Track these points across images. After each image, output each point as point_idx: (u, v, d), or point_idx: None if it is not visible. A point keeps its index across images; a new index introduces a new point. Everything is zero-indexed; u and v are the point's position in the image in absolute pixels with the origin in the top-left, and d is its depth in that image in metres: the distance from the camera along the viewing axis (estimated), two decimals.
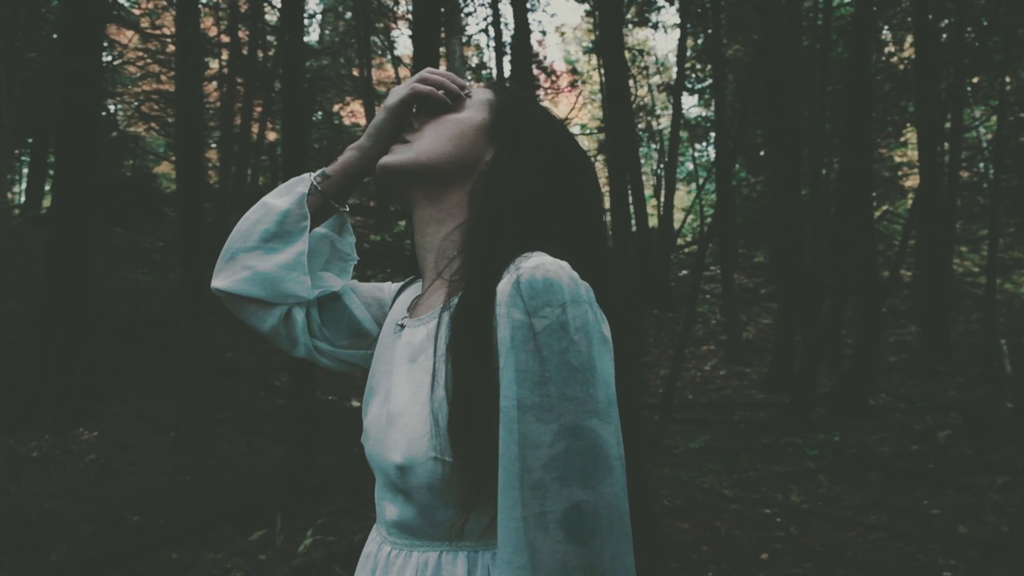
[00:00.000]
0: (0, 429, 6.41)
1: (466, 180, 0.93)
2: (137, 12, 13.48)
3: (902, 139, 18.70)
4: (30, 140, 19.04)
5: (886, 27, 15.89)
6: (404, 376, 0.87)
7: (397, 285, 1.11)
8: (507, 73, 15.10)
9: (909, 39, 15.51)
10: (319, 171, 1.04)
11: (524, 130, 0.94)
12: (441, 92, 0.98)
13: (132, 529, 4.68)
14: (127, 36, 13.38)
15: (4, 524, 4.50)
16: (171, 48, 9.62)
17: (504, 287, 0.75)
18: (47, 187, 17.48)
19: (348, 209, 1.08)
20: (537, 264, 0.75)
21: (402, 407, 0.84)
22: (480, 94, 1.00)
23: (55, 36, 13.88)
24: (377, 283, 1.13)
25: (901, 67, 15.65)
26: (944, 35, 12.90)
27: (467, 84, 1.01)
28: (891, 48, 17.19)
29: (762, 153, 18.07)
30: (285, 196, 1.01)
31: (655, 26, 17.76)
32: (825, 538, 4.28)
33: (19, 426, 6.84)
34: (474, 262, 0.83)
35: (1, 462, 5.51)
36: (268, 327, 1.02)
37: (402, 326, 0.95)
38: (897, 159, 19.36)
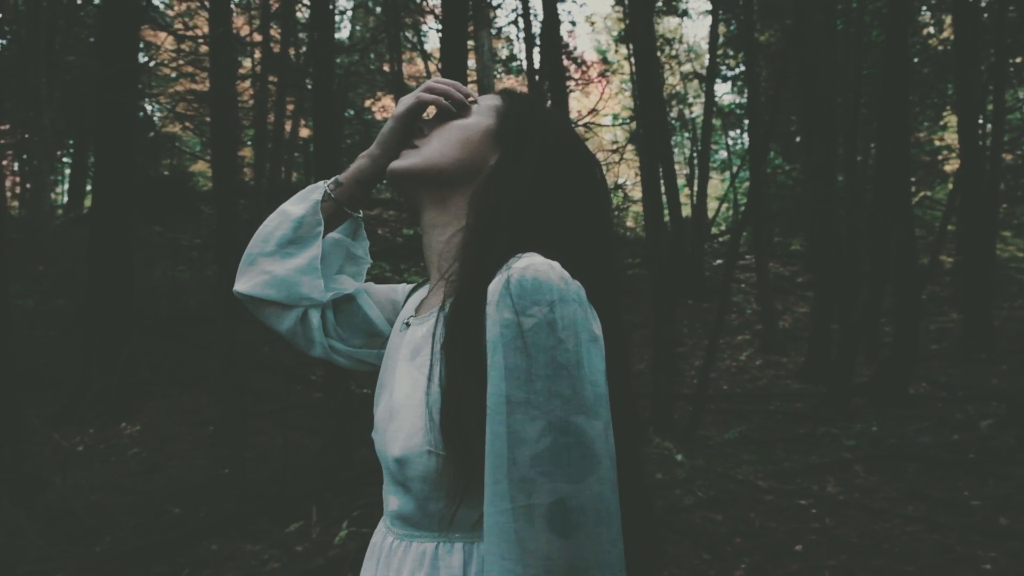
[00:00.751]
0: (46, 424, 6.58)
1: (471, 184, 0.95)
2: (171, 14, 13.70)
3: (942, 122, 18.27)
4: (71, 142, 19.47)
5: (924, 8, 15.54)
6: (404, 373, 0.90)
7: (410, 287, 1.15)
8: (537, 65, 15.05)
9: (948, 19, 15.14)
10: (332, 179, 1.08)
11: (528, 135, 0.95)
12: (446, 101, 1.01)
13: (173, 521, 4.79)
14: (161, 38, 13.60)
15: (50, 516, 4.64)
16: (204, 48, 9.75)
17: (495, 287, 0.77)
18: (88, 187, 17.87)
19: (361, 214, 1.13)
20: (527, 264, 0.77)
21: (401, 402, 0.88)
22: (488, 100, 1.02)
23: (92, 40, 14.15)
24: (392, 285, 1.17)
25: (940, 49, 15.28)
26: (985, 15, 12.57)
27: (472, 93, 1.03)
28: (930, 30, 16.79)
29: (797, 139, 17.81)
30: (300, 203, 1.06)
31: (685, 13, 17.56)
32: (861, 530, 4.23)
33: (64, 421, 7.03)
34: (469, 264, 0.86)
35: (47, 456, 5.67)
36: (286, 328, 1.07)
37: (407, 324, 0.98)
38: (937, 143, 18.94)
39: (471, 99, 1.02)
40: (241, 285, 1.05)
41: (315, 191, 1.07)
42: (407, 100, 1.03)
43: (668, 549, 4.04)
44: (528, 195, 0.89)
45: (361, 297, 1.14)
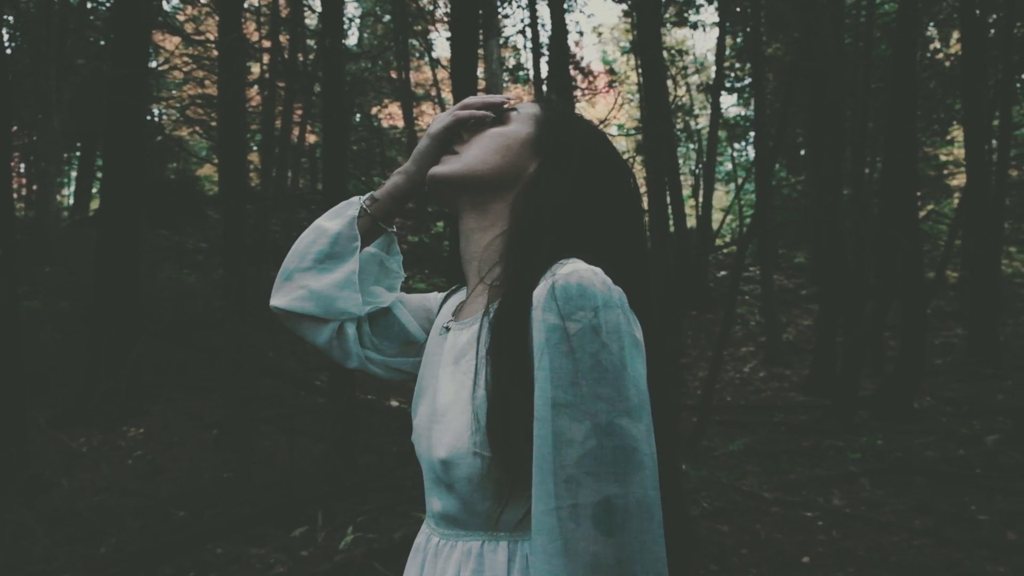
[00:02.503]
0: (52, 426, 6.59)
1: (510, 191, 0.98)
2: (181, 18, 13.77)
3: (948, 137, 18.28)
4: (79, 144, 19.54)
5: (931, 23, 15.57)
6: (448, 376, 0.92)
7: (443, 294, 1.17)
8: (544, 74, 15.10)
9: (955, 35, 15.17)
10: (368, 195, 1.10)
11: (567, 144, 0.98)
12: (482, 112, 1.03)
13: (178, 524, 4.79)
14: (172, 42, 13.67)
15: (56, 517, 4.64)
16: (214, 53, 9.80)
17: (540, 292, 0.80)
18: (95, 190, 17.94)
19: (395, 230, 1.15)
20: (572, 270, 0.79)
21: (446, 406, 0.90)
22: (527, 108, 1.04)
23: (103, 43, 14.23)
24: (423, 294, 1.19)
25: (947, 64, 15.31)
26: (992, 30, 12.59)
27: (510, 99, 1.06)
28: (937, 44, 16.83)
29: (803, 152, 17.83)
30: (336, 219, 1.08)
31: (694, 26, 17.62)
32: (868, 543, 4.21)
33: (70, 423, 7.03)
34: (513, 269, 0.88)
35: (53, 458, 5.68)
36: (322, 341, 1.09)
37: (447, 328, 1.00)
38: (943, 158, 18.94)
39: (509, 105, 1.04)
40: (278, 300, 1.07)
41: (350, 207, 1.09)
42: (443, 119, 1.05)
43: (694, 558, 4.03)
44: (569, 202, 0.92)
45: (396, 307, 1.16)
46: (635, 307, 0.83)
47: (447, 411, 0.89)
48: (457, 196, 1.00)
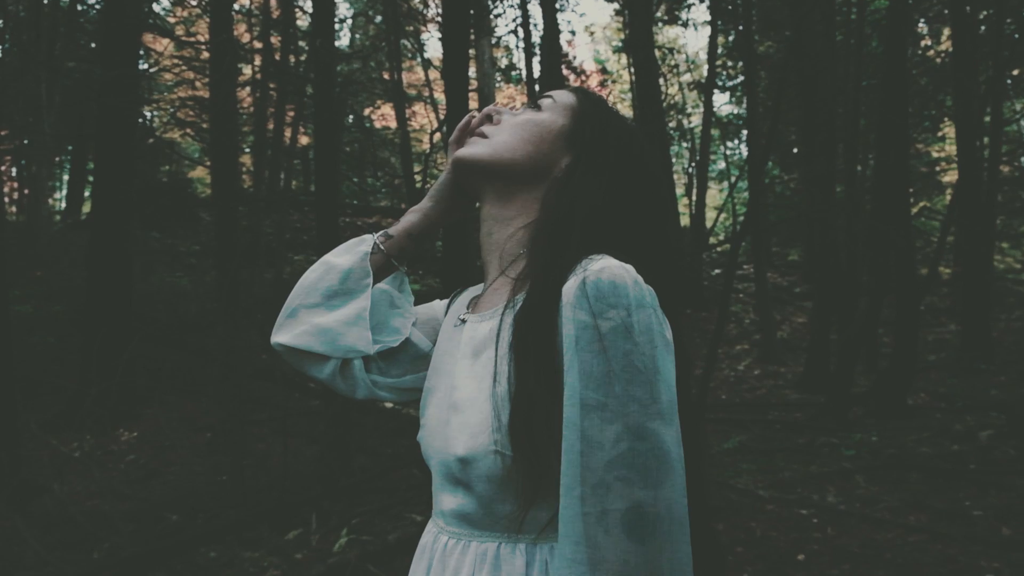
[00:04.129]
0: (43, 430, 6.56)
1: (539, 183, 0.94)
2: (172, 20, 13.72)
3: (940, 134, 18.36)
4: (70, 147, 19.47)
5: (922, 20, 15.62)
6: (467, 370, 0.89)
7: (446, 300, 1.12)
8: (536, 74, 15.10)
9: (946, 32, 15.22)
10: (381, 232, 1.06)
11: (602, 140, 0.95)
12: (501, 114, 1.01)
13: (171, 528, 4.77)
14: (163, 44, 13.62)
15: (48, 522, 4.61)
16: (205, 55, 9.77)
17: (570, 288, 0.77)
18: (87, 193, 17.87)
19: (407, 268, 1.10)
20: (603, 267, 0.77)
21: (465, 400, 0.86)
22: (563, 98, 1.00)
23: (93, 45, 14.18)
24: (428, 304, 1.14)
25: (938, 60, 15.36)
26: (983, 27, 12.63)
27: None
28: (927, 41, 16.88)
29: (795, 150, 17.87)
30: (347, 255, 1.03)
31: (685, 24, 17.65)
32: (863, 539, 4.21)
33: (62, 427, 7.00)
34: (541, 263, 0.85)
35: (45, 462, 5.65)
36: (326, 375, 1.03)
37: (463, 320, 0.96)
38: (935, 154, 19.01)
39: (545, 95, 1.01)
40: (282, 337, 1.02)
41: (362, 243, 1.04)
42: (452, 146, 1.03)
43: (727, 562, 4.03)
44: (603, 200, 0.89)
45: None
46: (664, 307, 0.80)
47: (466, 406, 0.86)
48: (482, 182, 0.97)
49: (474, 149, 0.96)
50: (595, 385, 0.73)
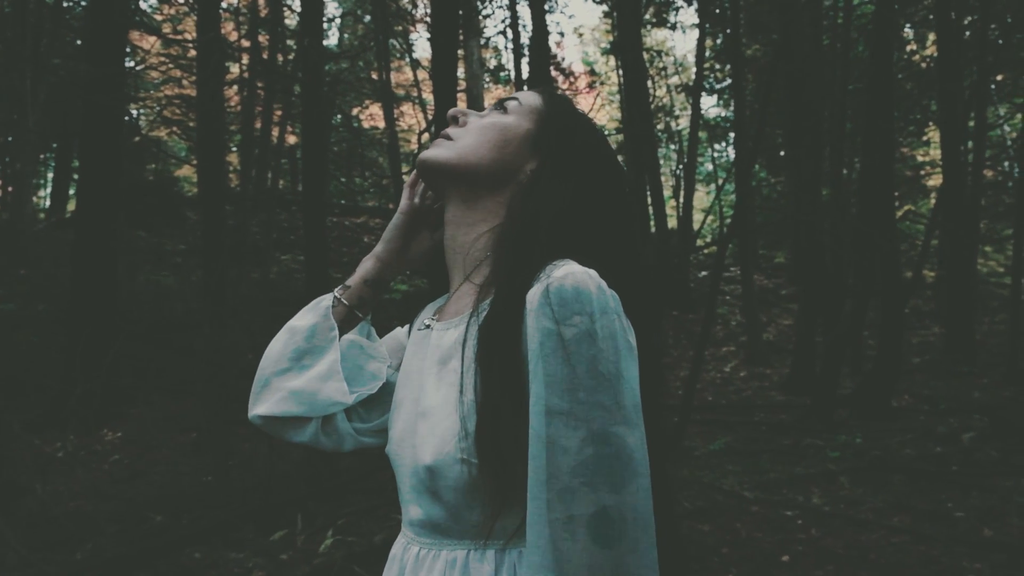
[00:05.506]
0: (26, 429, 6.49)
1: (503, 187, 0.94)
2: (159, 18, 13.64)
3: (924, 138, 18.51)
4: (55, 145, 19.32)
5: (908, 25, 15.74)
6: (434, 379, 0.88)
7: (407, 327, 1.11)
8: (525, 75, 15.12)
9: (932, 37, 15.35)
10: (340, 285, 1.05)
11: (568, 144, 0.94)
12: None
13: (156, 529, 4.74)
14: (149, 41, 13.54)
15: (31, 523, 4.57)
16: (192, 53, 9.72)
17: (534, 295, 0.77)
18: (72, 191, 17.74)
19: (370, 317, 1.08)
20: (566, 273, 0.76)
21: (432, 409, 0.86)
22: (529, 100, 0.99)
23: (79, 42, 14.08)
24: (391, 334, 1.12)
25: (923, 65, 15.48)
26: (967, 32, 12.75)
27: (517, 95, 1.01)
28: (913, 46, 17.02)
29: (782, 153, 17.97)
30: (309, 314, 1.02)
31: (673, 27, 17.72)
32: (847, 540, 4.24)
33: (45, 426, 6.94)
34: (505, 269, 0.84)
35: (28, 462, 5.60)
36: (308, 437, 1.02)
37: (429, 327, 0.96)
38: (920, 158, 19.17)
39: (511, 97, 1.00)
40: (260, 408, 1.00)
41: (323, 300, 1.04)
42: (406, 189, 1.05)
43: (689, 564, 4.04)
44: (568, 206, 0.89)
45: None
46: (629, 311, 0.80)
47: (433, 415, 0.85)
48: (446, 185, 0.96)
49: (438, 152, 0.95)
50: (560, 392, 0.73)
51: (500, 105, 0.99)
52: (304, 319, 1.02)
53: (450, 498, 0.83)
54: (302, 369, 0.99)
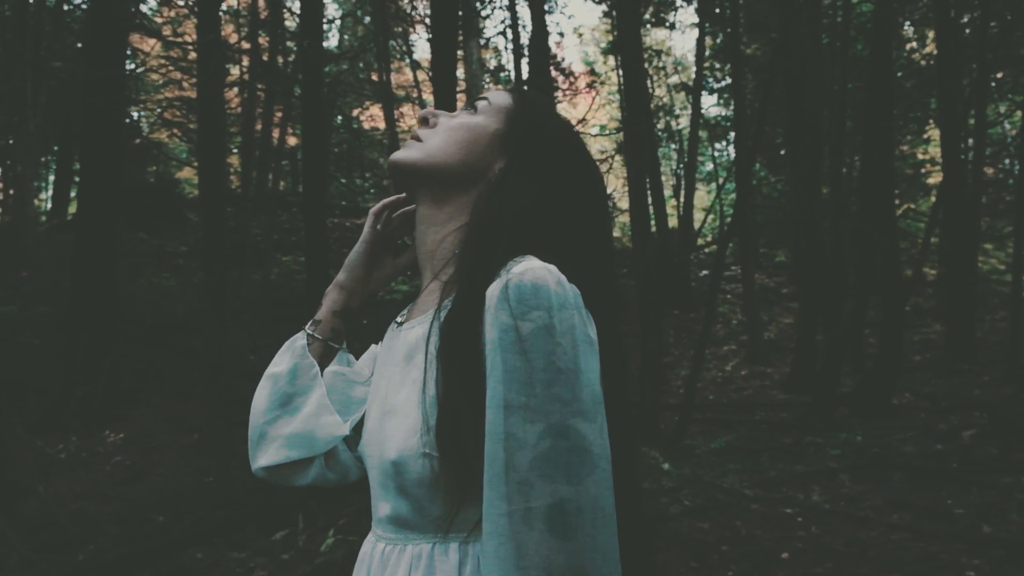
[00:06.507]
0: (29, 431, 6.51)
1: (473, 186, 0.95)
2: (159, 20, 13.66)
3: (925, 136, 18.50)
4: (56, 148, 19.34)
5: (907, 23, 15.74)
6: (399, 375, 0.90)
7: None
8: (525, 75, 15.13)
9: (931, 35, 15.34)
10: (310, 322, 1.06)
11: (536, 142, 0.95)
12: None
13: (157, 529, 4.75)
14: (149, 44, 13.56)
15: (33, 524, 4.59)
16: (193, 55, 9.74)
17: (493, 291, 0.77)
18: (73, 193, 17.76)
19: (345, 345, 1.09)
20: (525, 269, 0.77)
21: (397, 405, 0.87)
22: (498, 99, 1.00)
23: (80, 45, 14.11)
24: (368, 351, 1.13)
25: (923, 63, 15.48)
26: (967, 30, 12.75)
27: (488, 93, 1.03)
28: (913, 44, 17.01)
29: (783, 152, 17.96)
30: (286, 356, 1.04)
31: (671, 26, 17.71)
32: (846, 538, 4.25)
33: (47, 428, 6.96)
34: (467, 267, 0.86)
35: (30, 464, 5.61)
36: (313, 476, 1.03)
37: (400, 323, 0.97)
38: (920, 156, 19.16)
39: (481, 97, 1.01)
40: (261, 460, 1.01)
41: (296, 340, 1.05)
42: (370, 217, 1.07)
43: (655, 557, 4.05)
44: (533, 203, 0.90)
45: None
46: (591, 306, 0.81)
47: (398, 411, 0.86)
48: (416, 185, 0.97)
49: (407, 153, 0.96)
50: (518, 386, 0.73)
51: (471, 105, 1.00)
52: (282, 363, 1.03)
53: (414, 492, 0.84)
54: (293, 412, 1.00)
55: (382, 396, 0.93)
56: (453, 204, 0.95)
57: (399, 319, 0.99)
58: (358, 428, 1.04)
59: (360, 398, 1.05)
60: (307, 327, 1.06)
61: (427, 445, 0.81)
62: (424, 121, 1.01)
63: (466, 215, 0.94)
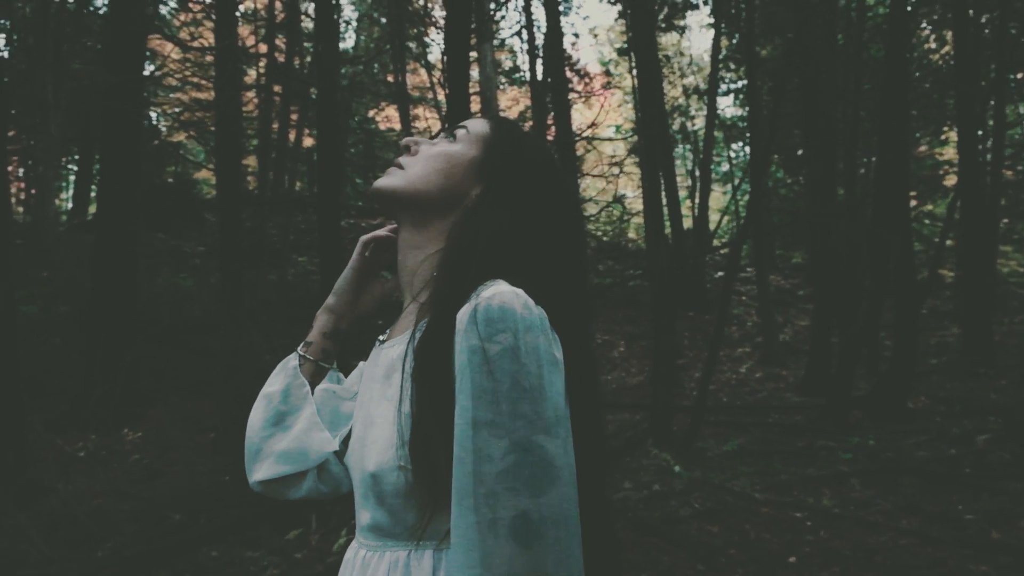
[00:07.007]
0: (48, 430, 6.63)
1: (451, 212, 0.99)
2: (177, 23, 13.81)
3: (943, 136, 18.34)
4: (76, 148, 19.58)
5: (925, 23, 15.62)
6: (379, 392, 0.95)
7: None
8: (540, 76, 15.15)
9: (950, 35, 15.22)
10: (302, 343, 1.13)
11: (510, 169, 0.99)
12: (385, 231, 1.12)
13: (174, 528, 4.83)
14: (168, 47, 13.72)
15: (53, 521, 4.68)
16: (210, 58, 9.86)
17: (463, 315, 0.82)
18: (93, 193, 17.98)
19: (335, 364, 1.16)
20: (494, 293, 0.82)
21: (376, 420, 0.93)
22: (477, 128, 1.04)
23: (99, 47, 14.28)
24: (356, 369, 1.18)
25: (941, 63, 15.35)
26: (986, 30, 12.64)
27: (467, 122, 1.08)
28: (932, 44, 16.87)
29: (800, 152, 17.88)
30: (279, 377, 1.11)
31: (681, 31, 17.69)
32: (854, 542, 4.26)
33: (67, 427, 7.07)
34: (440, 291, 0.90)
35: (49, 461, 5.72)
36: (306, 490, 1.09)
37: (381, 342, 1.03)
38: (939, 158, 18.99)
39: (460, 126, 1.05)
40: (257, 475, 1.08)
41: (289, 361, 1.12)
42: (358, 246, 1.13)
43: (662, 559, 4.07)
44: (507, 229, 0.94)
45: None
46: (563, 326, 0.86)
47: (377, 426, 0.92)
48: (396, 211, 1.02)
49: (389, 180, 1.01)
50: (485, 404, 0.78)
51: (451, 133, 1.05)
52: (276, 384, 1.10)
53: (391, 502, 0.89)
54: (286, 430, 1.07)
55: (365, 411, 0.98)
56: (432, 229, 1.00)
57: (381, 337, 1.04)
58: (347, 442, 1.09)
59: (348, 413, 1.11)
60: (299, 348, 1.12)
61: (402, 459, 0.87)
62: (406, 149, 1.06)
63: (444, 239, 0.98)
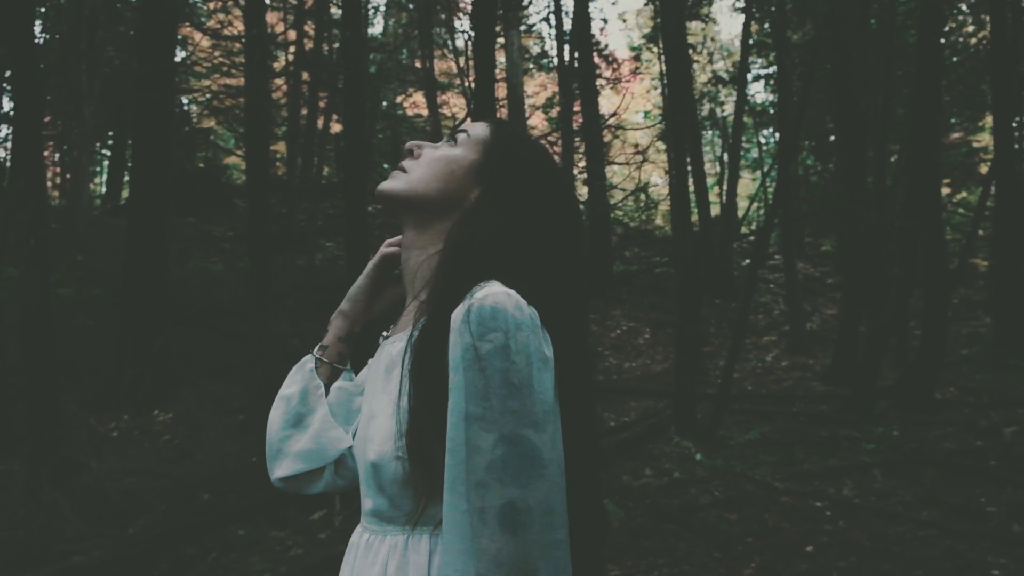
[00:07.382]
0: (83, 410, 6.81)
1: (452, 214, 1.04)
2: (206, 9, 13.96)
3: (981, 123, 17.96)
4: (110, 134, 19.88)
5: (963, 6, 15.29)
6: (380, 385, 1.01)
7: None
8: (568, 62, 15.09)
9: (988, 18, 14.88)
10: (317, 346, 1.20)
11: (508, 172, 1.04)
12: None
13: (202, 507, 4.96)
14: (198, 35, 13.87)
15: (86, 498, 4.83)
16: (239, 46, 9.96)
17: (457, 314, 0.87)
18: (126, 179, 18.28)
19: (349, 364, 1.22)
20: (487, 293, 0.86)
21: (377, 413, 0.99)
22: (477, 132, 1.09)
23: (132, 34, 14.47)
24: (367, 366, 1.22)
25: (979, 48, 15.03)
26: None
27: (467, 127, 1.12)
28: (970, 28, 16.51)
29: (832, 139, 17.64)
30: (296, 378, 1.18)
31: (705, 20, 17.51)
32: (873, 533, 4.26)
33: (100, 407, 7.26)
34: (437, 291, 0.95)
35: (83, 441, 5.88)
36: (324, 485, 1.16)
37: (385, 337, 1.09)
38: (975, 144, 18.62)
39: (461, 129, 1.10)
40: (278, 472, 1.15)
41: (305, 364, 1.18)
42: (374, 260, 1.19)
43: (679, 546, 4.11)
44: (504, 230, 0.98)
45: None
46: (557, 324, 0.90)
47: (377, 418, 0.98)
48: (400, 212, 1.07)
49: (392, 184, 1.06)
50: (476, 399, 0.83)
51: (452, 137, 1.10)
52: (293, 386, 1.17)
53: (390, 490, 0.95)
54: (304, 429, 1.14)
55: (369, 404, 1.04)
56: (433, 230, 1.05)
57: (385, 333, 1.10)
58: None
59: (359, 408, 1.17)
60: (315, 351, 1.19)
61: (400, 449, 0.92)
62: (409, 152, 1.11)
63: (443, 241, 1.03)
